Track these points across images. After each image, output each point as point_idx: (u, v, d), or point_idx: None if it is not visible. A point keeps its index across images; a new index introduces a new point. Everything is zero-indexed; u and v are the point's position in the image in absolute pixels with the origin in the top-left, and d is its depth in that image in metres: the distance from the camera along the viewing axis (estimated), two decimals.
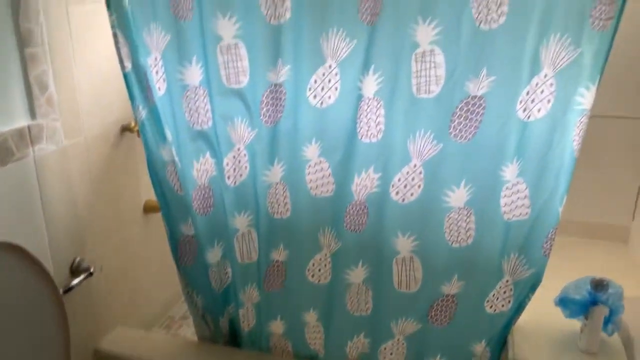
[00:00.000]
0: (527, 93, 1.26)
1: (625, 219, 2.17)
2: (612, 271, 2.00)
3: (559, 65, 1.22)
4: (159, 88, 1.41)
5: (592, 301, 1.38)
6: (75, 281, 1.56)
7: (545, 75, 1.23)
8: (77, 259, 1.62)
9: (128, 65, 1.38)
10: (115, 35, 1.35)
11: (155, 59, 1.40)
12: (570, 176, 1.29)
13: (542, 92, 1.25)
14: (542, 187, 1.32)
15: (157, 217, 1.89)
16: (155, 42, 1.38)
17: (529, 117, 1.28)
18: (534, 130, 1.28)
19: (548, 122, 1.27)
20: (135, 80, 1.39)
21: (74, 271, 1.61)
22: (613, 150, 2.09)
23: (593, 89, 1.20)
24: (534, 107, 1.27)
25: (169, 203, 1.55)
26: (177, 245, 1.61)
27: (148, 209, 2.00)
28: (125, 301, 1.93)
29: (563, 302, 1.43)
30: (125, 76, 1.39)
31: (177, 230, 1.59)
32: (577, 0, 1.15)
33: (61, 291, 1.46)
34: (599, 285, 1.37)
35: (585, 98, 1.22)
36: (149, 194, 1.95)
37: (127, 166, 1.84)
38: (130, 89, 1.40)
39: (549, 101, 1.25)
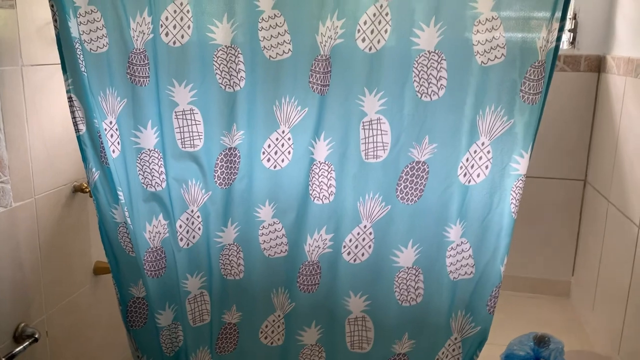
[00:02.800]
0: (467, 160, 1.34)
1: (565, 274, 2.27)
2: (555, 325, 2.09)
3: (494, 135, 1.31)
4: (113, 150, 1.43)
5: (536, 357, 1.43)
6: (19, 348, 1.50)
7: (483, 144, 1.32)
8: (22, 325, 1.56)
9: (82, 128, 1.41)
10: (70, 99, 1.38)
11: (111, 122, 1.42)
12: (510, 237, 1.36)
13: (480, 158, 1.33)
14: (485, 248, 1.39)
15: (107, 279, 1.85)
16: (110, 106, 1.41)
17: (469, 181, 1.36)
18: (474, 193, 1.36)
19: (487, 186, 1.34)
20: (89, 142, 1.42)
21: (18, 338, 1.55)
22: (551, 209, 2.21)
23: (526, 156, 1.30)
24: (474, 172, 1.35)
25: (119, 265, 1.55)
26: (127, 307, 1.59)
27: (98, 270, 1.95)
28: None
29: (508, 358, 1.47)
30: (79, 139, 1.42)
31: (127, 293, 1.57)
32: (508, 77, 1.26)
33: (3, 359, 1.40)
34: (541, 341, 1.42)
35: (519, 164, 1.30)
36: (100, 255, 1.91)
37: (78, 227, 1.81)
38: (84, 152, 1.43)
39: (486, 167, 1.34)
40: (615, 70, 1.84)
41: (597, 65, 2.00)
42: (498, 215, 1.35)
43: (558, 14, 1.21)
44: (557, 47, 1.25)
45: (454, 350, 1.49)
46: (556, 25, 1.22)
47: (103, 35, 1.37)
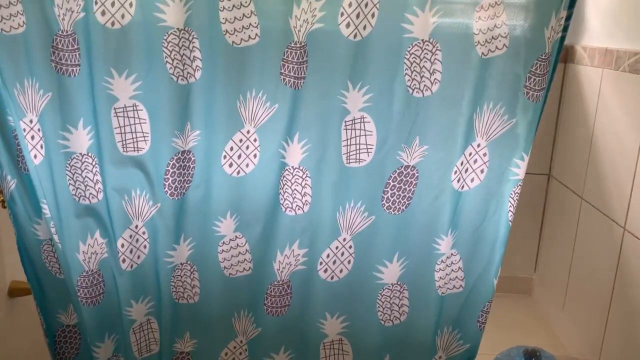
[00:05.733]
0: (462, 163, 1.20)
1: (527, 271, 2.23)
2: (520, 325, 2.03)
3: (492, 135, 1.18)
4: (35, 155, 1.19)
5: None
6: None
7: (479, 145, 1.20)
8: None
9: None
10: None
11: (31, 121, 1.18)
12: (504, 247, 1.25)
13: (475, 162, 1.21)
14: (477, 259, 1.28)
15: (27, 301, 1.58)
16: (30, 102, 1.16)
17: (462, 187, 1.23)
18: (467, 200, 1.24)
19: (482, 192, 1.23)
20: (2, 146, 1.18)
21: None
22: None
23: (527, 159, 1.19)
24: (467, 177, 1.22)
25: (44, 288, 1.35)
26: (55, 338, 1.39)
27: (15, 292, 1.67)
28: None
29: None
30: None
31: (55, 321, 1.38)
32: (511, 71, 1.13)
33: None
34: (532, 355, 1.33)
35: (520, 168, 1.20)
36: (17, 274, 1.63)
37: None
38: None
39: (482, 171, 1.22)
40: (588, 62, 1.78)
41: (564, 55, 1.94)
42: (494, 224, 1.24)
43: (567, 0, 1.08)
44: (562, 38, 1.13)
45: None
46: (564, 14, 1.10)
47: (18, 12, 1.11)
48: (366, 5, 1.10)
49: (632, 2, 1.57)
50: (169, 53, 1.16)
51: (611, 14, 1.69)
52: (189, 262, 1.33)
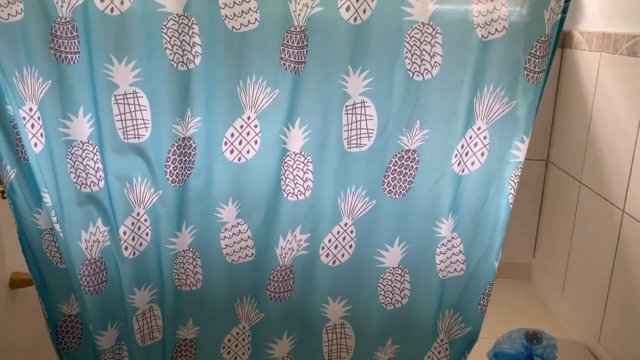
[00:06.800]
0: (462, 147, 1.20)
1: (526, 256, 2.24)
2: (521, 310, 2.04)
3: (492, 118, 1.18)
4: (35, 144, 1.18)
5: (528, 355, 1.34)
6: None
7: (479, 128, 1.20)
8: None
9: None
10: None
11: (31, 109, 1.16)
12: (505, 230, 1.25)
13: (475, 145, 1.21)
14: (478, 243, 1.28)
15: (28, 292, 1.57)
16: (30, 90, 1.15)
17: (462, 171, 1.23)
18: (468, 184, 1.24)
19: (482, 175, 1.23)
20: (2, 134, 1.16)
21: None
22: None
23: (527, 141, 1.19)
24: (468, 160, 1.22)
25: (45, 278, 1.33)
26: (57, 328, 1.38)
27: (16, 283, 1.66)
28: None
29: (498, 357, 1.38)
30: None
31: (56, 311, 1.37)
32: (511, 53, 1.13)
33: None
34: (533, 338, 1.34)
35: (520, 151, 1.20)
36: (17, 265, 1.62)
37: None
38: None
39: (482, 154, 1.21)
40: (586, 46, 1.78)
41: (562, 40, 1.94)
42: (494, 207, 1.24)
43: None
44: (562, 20, 1.13)
45: (439, 352, 1.39)
46: None
47: None
48: None
49: None
50: (168, 39, 1.15)
51: None
52: (191, 249, 1.32)
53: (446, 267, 1.30)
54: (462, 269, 1.31)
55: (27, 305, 1.64)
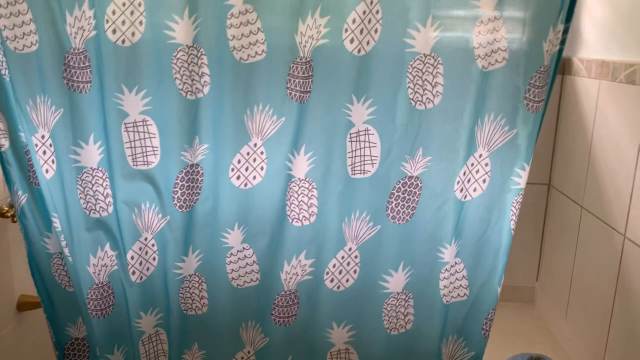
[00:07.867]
0: (464, 173, 1.22)
1: (529, 280, 2.24)
2: (524, 334, 2.04)
3: (494, 146, 1.21)
4: (47, 170, 1.20)
5: None
6: None
7: (480, 155, 1.22)
8: None
9: (5, 143, 1.17)
10: None
11: (43, 137, 1.19)
12: (507, 256, 1.27)
13: (477, 172, 1.23)
14: (481, 267, 1.29)
15: (35, 315, 1.58)
16: (42, 118, 1.18)
17: (465, 197, 1.24)
18: (470, 209, 1.26)
19: (485, 201, 1.25)
20: (14, 161, 1.18)
21: None
22: None
23: (528, 168, 1.21)
24: (470, 186, 1.24)
25: (53, 301, 1.34)
26: (64, 352, 1.38)
27: (23, 306, 1.67)
28: None
29: None
30: (1, 156, 1.18)
31: (64, 334, 1.37)
32: (511, 83, 1.15)
33: None
34: None
35: (521, 178, 1.21)
36: (25, 288, 1.63)
37: None
38: (7, 171, 1.19)
39: (484, 181, 1.23)
40: (585, 73, 1.81)
41: (562, 67, 1.98)
42: (496, 232, 1.26)
43: (564, 14, 1.11)
44: (560, 51, 1.16)
45: None
46: (561, 27, 1.13)
47: (31, 31, 1.13)
48: (369, 21, 1.13)
49: (626, 15, 1.61)
50: (178, 69, 1.18)
51: (607, 26, 1.73)
52: (197, 274, 1.34)
53: (450, 292, 1.31)
54: (465, 294, 1.32)
55: (34, 328, 1.65)
